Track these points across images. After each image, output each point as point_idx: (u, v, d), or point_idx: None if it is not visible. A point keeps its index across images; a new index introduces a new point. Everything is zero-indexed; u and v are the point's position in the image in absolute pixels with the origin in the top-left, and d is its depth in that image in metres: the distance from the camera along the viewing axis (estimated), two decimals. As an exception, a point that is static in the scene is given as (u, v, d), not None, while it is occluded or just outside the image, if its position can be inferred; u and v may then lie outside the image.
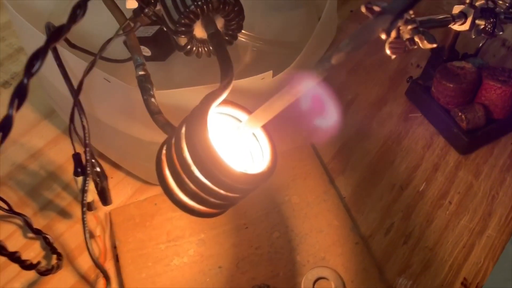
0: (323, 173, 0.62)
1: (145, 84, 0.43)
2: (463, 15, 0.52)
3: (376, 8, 0.30)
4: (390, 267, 0.55)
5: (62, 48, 0.46)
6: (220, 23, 0.45)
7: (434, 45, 0.38)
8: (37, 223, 0.56)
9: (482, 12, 0.53)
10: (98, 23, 0.57)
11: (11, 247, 0.42)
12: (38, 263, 0.46)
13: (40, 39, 0.45)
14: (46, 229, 0.56)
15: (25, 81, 0.29)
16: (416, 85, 0.69)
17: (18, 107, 0.29)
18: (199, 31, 0.45)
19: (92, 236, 0.56)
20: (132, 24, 0.46)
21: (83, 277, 0.53)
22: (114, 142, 0.57)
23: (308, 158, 0.64)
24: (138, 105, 0.43)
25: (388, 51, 0.36)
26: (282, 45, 0.61)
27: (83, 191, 0.49)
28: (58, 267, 0.51)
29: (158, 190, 0.60)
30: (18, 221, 0.57)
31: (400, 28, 0.36)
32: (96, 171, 0.50)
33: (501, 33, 0.55)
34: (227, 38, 0.46)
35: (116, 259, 0.55)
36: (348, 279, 0.53)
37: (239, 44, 0.61)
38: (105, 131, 0.54)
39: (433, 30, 0.43)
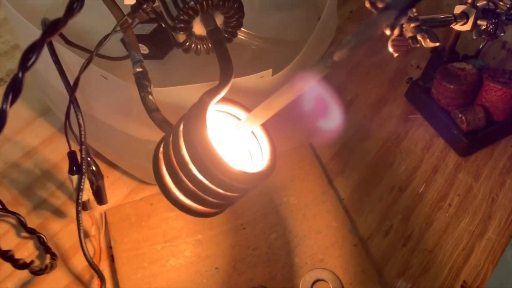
0: (322, 174, 0.62)
1: (142, 81, 0.42)
2: (465, 15, 0.51)
3: (380, 4, 0.29)
4: (389, 269, 0.55)
5: (58, 44, 0.45)
6: (219, 20, 0.44)
7: (437, 44, 0.38)
8: (31, 222, 0.55)
9: (484, 13, 0.53)
10: (95, 21, 0.56)
11: (4, 247, 0.42)
12: (32, 262, 0.45)
13: (36, 35, 0.44)
14: (40, 228, 0.55)
15: (20, 74, 0.28)
16: (416, 86, 0.69)
17: (13, 102, 0.28)
18: (198, 28, 0.44)
19: (87, 236, 0.55)
20: (130, 20, 0.45)
21: (77, 278, 0.52)
22: (110, 141, 0.56)
23: (307, 158, 0.63)
24: (135, 103, 0.42)
25: (390, 49, 0.35)
26: (282, 44, 0.61)
27: (78, 189, 0.48)
28: (52, 267, 0.50)
29: (154, 189, 0.60)
30: (12, 220, 0.56)
31: (403, 25, 0.36)
32: (92, 170, 0.50)
33: (502, 34, 0.54)
34: (226, 35, 0.45)
35: (111, 259, 0.54)
36: (347, 281, 0.52)
37: (238, 42, 0.60)
38: (101, 129, 0.53)
39: (434, 30, 0.42)
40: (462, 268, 0.55)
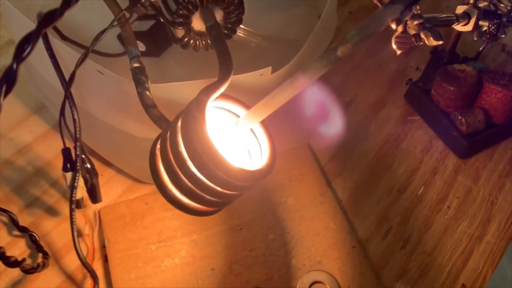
0: (320, 174, 0.61)
1: (139, 77, 0.41)
2: (466, 16, 0.51)
3: (386, -2, 0.28)
4: (387, 271, 0.54)
5: (53, 38, 0.44)
6: (219, 15, 0.43)
7: (440, 42, 0.37)
8: (23, 221, 0.54)
9: (485, 14, 0.52)
10: (90, 16, 0.56)
11: (-6, 245, 0.41)
12: (23, 260, 0.44)
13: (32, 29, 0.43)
14: (33, 226, 0.54)
15: (15, 66, 0.27)
16: (416, 87, 0.68)
17: (6, 94, 0.27)
18: (197, 24, 0.43)
19: (80, 235, 0.54)
20: (127, 15, 0.44)
21: (69, 277, 0.51)
22: (106, 138, 0.55)
23: (305, 159, 0.62)
24: (132, 99, 0.41)
25: (394, 46, 0.34)
26: (281, 42, 0.60)
27: (72, 187, 0.47)
28: (44, 266, 0.49)
29: (150, 188, 0.59)
30: (3, 218, 0.55)
31: (407, 22, 0.35)
32: (86, 167, 0.49)
33: (503, 36, 0.54)
34: (226, 31, 0.45)
35: (105, 259, 0.53)
36: (345, 284, 0.52)
37: (238, 40, 0.59)
38: (97, 127, 0.52)
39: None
40: (461, 271, 0.54)
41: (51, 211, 0.56)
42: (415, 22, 0.36)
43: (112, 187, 0.59)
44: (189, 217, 0.55)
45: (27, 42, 0.28)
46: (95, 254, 0.53)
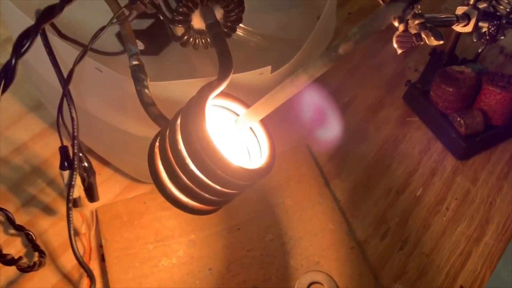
0: (319, 175, 0.61)
1: (139, 75, 0.41)
2: (466, 17, 0.51)
3: (388, -4, 0.28)
4: (385, 273, 0.54)
5: (51, 35, 0.44)
6: (219, 14, 0.43)
7: (441, 42, 0.37)
8: (19, 219, 0.54)
9: (485, 15, 0.52)
10: (89, 15, 0.55)
11: (-10, 243, 0.40)
12: (20, 258, 0.44)
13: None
14: (29, 225, 0.54)
15: (13, 61, 0.27)
16: (414, 89, 0.68)
17: (5, 89, 0.27)
18: (197, 22, 0.43)
19: (77, 234, 0.53)
20: (127, 12, 0.44)
21: (66, 276, 0.51)
22: (104, 137, 0.54)
23: (303, 160, 0.62)
24: (131, 98, 0.41)
25: (395, 45, 0.34)
26: (281, 42, 0.60)
27: (69, 185, 0.46)
28: (40, 264, 0.49)
29: (147, 188, 0.58)
30: (0, 216, 0.54)
31: (409, 22, 0.35)
32: (84, 166, 0.48)
33: (502, 38, 0.54)
34: (225, 30, 0.45)
35: (102, 258, 0.52)
36: (343, 285, 0.51)
37: (237, 39, 0.59)
38: (95, 125, 0.52)
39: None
40: (459, 273, 0.54)
41: (48, 210, 0.56)
42: (416, 22, 0.36)
43: (109, 186, 0.59)
44: (187, 216, 0.55)
45: (26, 37, 0.28)
46: (92, 254, 0.53)
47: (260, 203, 0.57)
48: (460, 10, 0.51)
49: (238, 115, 0.38)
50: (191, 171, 0.33)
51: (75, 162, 0.46)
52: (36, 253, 0.51)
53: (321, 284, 0.51)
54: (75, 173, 0.46)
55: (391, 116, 0.69)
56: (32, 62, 0.52)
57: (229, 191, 0.34)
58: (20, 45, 0.27)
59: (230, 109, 0.38)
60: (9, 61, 0.26)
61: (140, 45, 0.62)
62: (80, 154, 0.47)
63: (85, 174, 0.49)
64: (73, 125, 0.45)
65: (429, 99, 0.66)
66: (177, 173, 0.34)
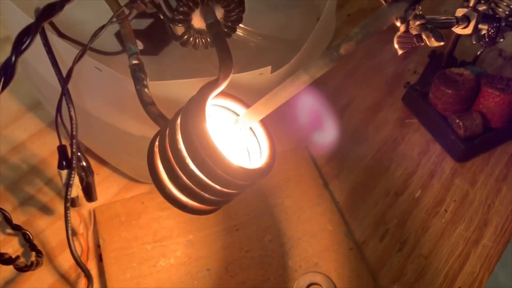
0: (317, 176, 0.61)
1: (138, 74, 0.41)
2: (466, 19, 0.51)
3: (390, -4, 0.28)
4: (384, 274, 0.54)
5: (51, 34, 0.44)
6: (219, 13, 0.43)
7: (442, 43, 0.37)
8: (17, 219, 0.53)
9: (485, 17, 0.52)
10: (88, 15, 0.55)
11: (-12, 243, 0.40)
12: (17, 257, 0.43)
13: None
14: (26, 225, 0.53)
15: (13, 58, 0.27)
16: (414, 90, 0.68)
17: (4, 87, 0.27)
18: (198, 21, 0.43)
19: (74, 234, 0.53)
20: (127, 11, 0.44)
21: (63, 276, 0.51)
22: (102, 136, 0.54)
23: (302, 160, 0.62)
24: (130, 97, 0.41)
25: (396, 45, 0.34)
26: (281, 42, 0.60)
27: (67, 185, 0.46)
28: (37, 264, 0.48)
29: (146, 188, 0.58)
30: (-3, 216, 0.54)
31: (410, 22, 0.35)
32: (82, 165, 0.48)
33: (501, 40, 0.54)
34: (226, 30, 0.44)
35: (99, 258, 0.52)
36: (341, 286, 0.51)
37: (237, 39, 0.59)
38: (93, 125, 0.51)
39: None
40: (457, 275, 0.54)
41: (45, 210, 0.56)
42: (417, 23, 0.36)
43: (107, 186, 0.59)
44: (185, 217, 0.55)
45: (26, 34, 0.28)
46: (90, 254, 0.52)
47: (259, 204, 0.57)
48: (460, 12, 0.51)
49: (238, 115, 0.38)
50: (191, 170, 0.33)
51: (74, 162, 0.46)
52: (33, 253, 0.51)
53: (320, 285, 0.51)
54: (73, 172, 0.46)
55: (390, 118, 0.69)
56: (31, 61, 0.52)
57: (229, 191, 0.34)
58: (21, 42, 0.27)
59: (230, 109, 0.38)
60: (9, 58, 0.26)
61: (139, 45, 0.61)
62: (79, 154, 0.47)
63: (83, 174, 0.48)
64: (71, 124, 0.45)
65: (428, 101, 0.66)
66: (177, 173, 0.33)
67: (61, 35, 0.50)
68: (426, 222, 0.58)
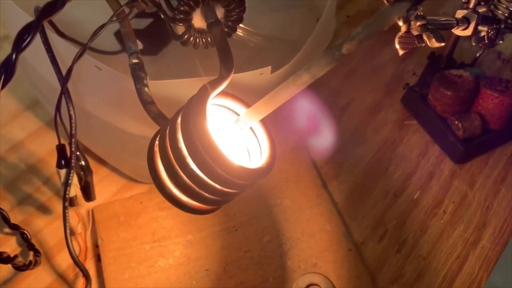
0: (316, 177, 0.61)
1: (138, 73, 0.40)
2: (466, 20, 0.51)
3: (393, -4, 0.28)
4: (383, 275, 0.54)
5: (50, 33, 0.44)
6: (220, 13, 0.43)
7: (442, 44, 0.37)
8: (15, 218, 0.53)
9: (485, 19, 0.52)
10: (88, 14, 0.55)
11: (-15, 242, 0.40)
12: (16, 256, 0.43)
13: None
14: (24, 224, 0.53)
15: (14, 56, 0.27)
16: (413, 92, 0.68)
17: (4, 84, 0.27)
18: (198, 21, 0.43)
19: (72, 233, 0.53)
20: (127, 10, 0.44)
21: (61, 276, 0.50)
22: (102, 136, 0.54)
23: (302, 161, 0.62)
24: (130, 96, 0.40)
25: (397, 46, 0.34)
26: (281, 43, 0.60)
27: (66, 184, 0.46)
28: (35, 263, 0.48)
29: (144, 188, 0.58)
30: (-6, 215, 0.54)
31: (411, 22, 0.35)
32: (81, 165, 0.48)
33: (501, 42, 0.54)
34: (226, 29, 0.44)
35: (98, 258, 0.52)
36: (340, 287, 0.51)
37: (237, 39, 0.59)
38: (93, 124, 0.51)
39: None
40: (456, 276, 0.54)
41: (43, 209, 0.56)
42: (418, 23, 0.36)
43: (106, 186, 0.58)
44: (184, 217, 0.55)
45: (26, 32, 0.28)
46: (88, 253, 0.52)
47: (258, 204, 0.57)
48: (459, 13, 0.52)
49: (238, 114, 0.38)
50: (191, 170, 0.33)
51: (73, 161, 0.45)
52: (31, 252, 0.50)
53: (319, 286, 0.51)
54: (72, 171, 0.46)
55: (389, 119, 0.69)
56: (30, 60, 0.51)
57: (229, 190, 0.34)
58: (21, 40, 0.27)
59: (231, 108, 0.38)
60: (10, 56, 0.26)
61: (139, 45, 0.61)
62: (78, 153, 0.46)
63: (82, 173, 0.48)
64: (71, 123, 0.45)
65: (427, 102, 0.66)
66: (177, 172, 0.33)
67: (60, 34, 0.50)
68: (425, 223, 0.58)
